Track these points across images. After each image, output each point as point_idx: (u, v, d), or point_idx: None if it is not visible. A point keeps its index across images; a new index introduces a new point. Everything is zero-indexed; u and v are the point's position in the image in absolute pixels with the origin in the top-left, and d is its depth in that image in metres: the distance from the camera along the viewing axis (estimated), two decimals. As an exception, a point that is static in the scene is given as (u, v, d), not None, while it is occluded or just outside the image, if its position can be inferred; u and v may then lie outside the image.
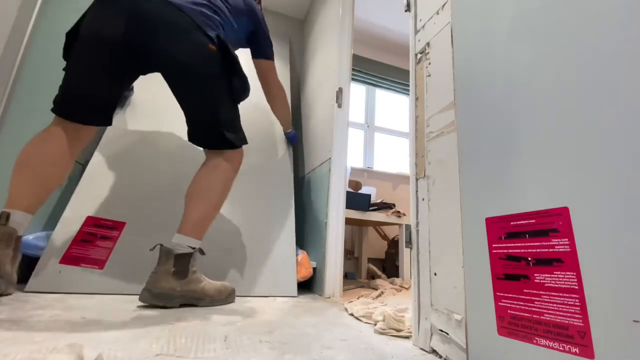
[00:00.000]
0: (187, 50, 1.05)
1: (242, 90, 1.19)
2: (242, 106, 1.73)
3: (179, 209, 1.18)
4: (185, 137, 1.37)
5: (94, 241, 1.16)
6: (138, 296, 0.99)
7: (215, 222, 1.35)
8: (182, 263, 1.01)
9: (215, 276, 1.24)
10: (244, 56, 1.51)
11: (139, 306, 0.94)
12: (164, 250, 1.01)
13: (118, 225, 1.23)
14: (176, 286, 0.98)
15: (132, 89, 1.61)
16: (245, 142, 1.20)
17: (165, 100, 1.62)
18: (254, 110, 1.85)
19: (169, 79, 1.11)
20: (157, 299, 0.95)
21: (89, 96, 1.03)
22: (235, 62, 1.14)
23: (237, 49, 1.44)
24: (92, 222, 1.20)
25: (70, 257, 1.11)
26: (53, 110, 1.02)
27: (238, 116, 1.21)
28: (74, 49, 1.03)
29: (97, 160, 1.37)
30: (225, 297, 1.07)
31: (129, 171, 1.39)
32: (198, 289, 1.02)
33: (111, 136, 1.46)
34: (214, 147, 1.15)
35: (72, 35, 1.07)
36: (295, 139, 1.87)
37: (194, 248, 1.04)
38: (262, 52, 1.48)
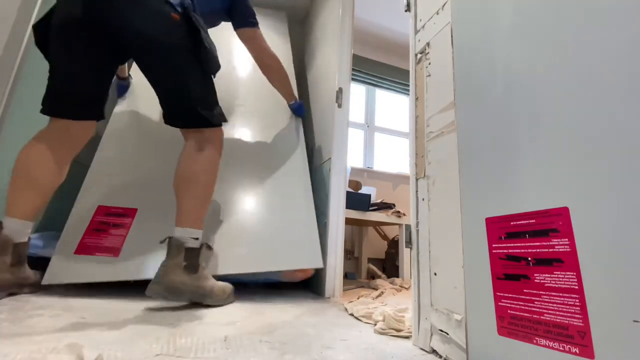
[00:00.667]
0: (147, 19, 0.98)
1: (210, 62, 1.09)
2: (245, 78, 1.64)
3: None
4: None
5: (107, 230, 1.16)
6: (146, 290, 0.95)
7: (231, 200, 1.35)
8: (192, 257, 0.98)
9: (237, 255, 1.22)
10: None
11: (142, 303, 0.94)
12: (174, 242, 0.98)
13: (130, 212, 1.21)
14: (187, 280, 0.95)
15: (130, 76, 1.58)
16: (224, 120, 1.13)
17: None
18: (257, 83, 1.76)
19: (136, 57, 1.06)
20: (167, 293, 0.93)
21: (70, 89, 1.01)
22: (199, 32, 1.04)
23: (217, 22, 1.38)
24: (103, 211, 1.20)
25: (85, 247, 1.11)
26: (41, 110, 1.00)
27: (213, 91, 1.13)
28: (50, 43, 1.01)
29: (103, 150, 1.37)
30: (226, 297, 1.06)
31: (135, 158, 1.38)
32: (207, 286, 0.99)
33: (115, 126, 1.46)
34: (188, 125, 1.08)
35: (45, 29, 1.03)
36: (301, 110, 1.73)
37: (197, 238, 1.02)
38: (243, 21, 1.40)
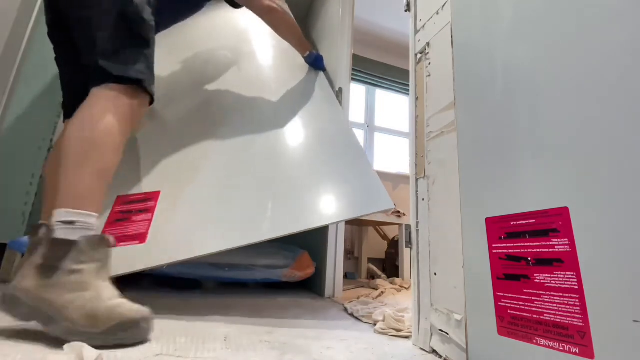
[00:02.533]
0: None
1: (135, 18, 0.90)
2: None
3: (213, 161, 1.13)
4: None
5: (130, 218, 1.05)
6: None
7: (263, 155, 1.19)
8: (55, 253, 0.65)
9: (288, 211, 1.03)
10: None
11: (142, 303, 0.94)
12: (39, 231, 0.70)
13: (152, 196, 1.11)
14: (32, 288, 0.62)
15: None
16: (139, 78, 0.86)
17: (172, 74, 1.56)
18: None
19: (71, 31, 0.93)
20: (1, 302, 0.63)
21: (68, 97, 0.99)
22: None
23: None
24: (122, 200, 1.11)
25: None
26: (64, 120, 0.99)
27: (134, 50, 0.89)
28: None
29: None
30: (106, 331, 0.60)
31: (150, 141, 1.30)
32: (58, 302, 0.61)
33: None
34: (90, 83, 0.84)
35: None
36: (319, 62, 1.51)
37: (71, 222, 0.67)
38: None
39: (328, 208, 1.03)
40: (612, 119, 0.43)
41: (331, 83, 1.59)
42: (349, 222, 2.21)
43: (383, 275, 2.07)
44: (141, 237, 1.00)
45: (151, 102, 0.93)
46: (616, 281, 0.40)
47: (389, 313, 0.88)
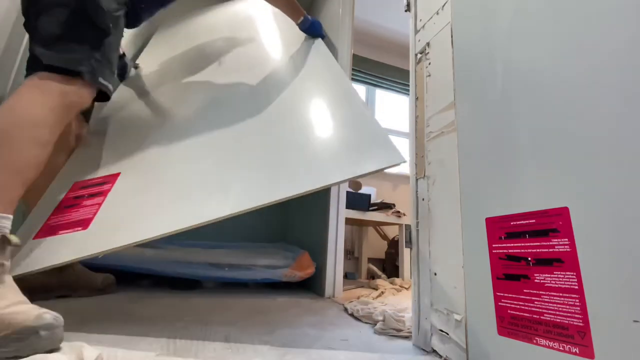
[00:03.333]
0: None
1: (92, 6, 0.84)
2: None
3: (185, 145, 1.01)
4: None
5: (81, 203, 0.91)
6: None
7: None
8: None
9: (290, 172, 0.84)
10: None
11: (142, 303, 0.94)
12: None
13: (110, 179, 0.97)
14: None
15: (137, 66, 1.52)
16: (76, 69, 0.79)
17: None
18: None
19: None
20: None
21: None
22: None
23: None
24: (78, 186, 0.97)
25: (47, 229, 0.86)
26: None
27: (83, 38, 0.82)
28: None
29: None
30: None
31: (114, 124, 1.23)
32: None
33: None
34: (27, 72, 0.81)
35: None
36: (316, 28, 1.36)
37: None
38: None
39: (321, 170, 0.82)
40: (613, 119, 0.43)
41: (333, 49, 1.46)
42: (349, 222, 2.21)
43: (383, 275, 2.07)
44: (84, 224, 0.85)
45: (104, 95, 0.87)
46: (616, 281, 0.40)
47: (388, 313, 0.88)
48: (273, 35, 1.55)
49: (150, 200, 0.88)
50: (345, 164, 0.82)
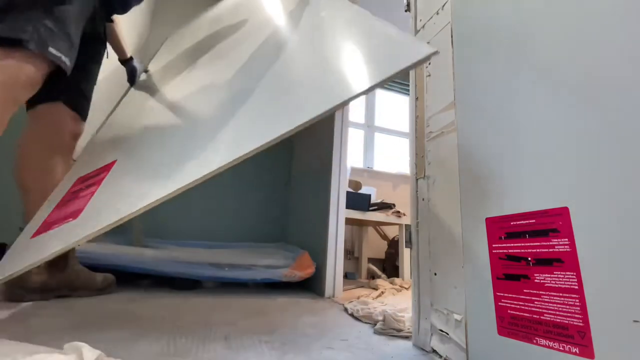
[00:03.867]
0: None
1: None
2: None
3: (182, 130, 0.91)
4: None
5: (78, 195, 0.89)
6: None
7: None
8: None
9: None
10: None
11: (142, 303, 0.94)
12: None
13: (106, 168, 0.95)
14: None
15: (147, 70, 1.51)
16: (14, 33, 0.71)
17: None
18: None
19: None
20: None
21: None
22: None
23: None
24: (80, 180, 0.96)
25: (43, 226, 0.85)
26: None
27: (35, 7, 0.75)
28: None
29: None
30: None
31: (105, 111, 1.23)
32: None
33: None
34: None
35: None
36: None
37: None
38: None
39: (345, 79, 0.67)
40: (613, 119, 0.43)
41: None
42: (349, 222, 2.21)
43: (383, 275, 2.07)
44: (75, 214, 0.81)
45: (58, 68, 0.80)
46: (616, 281, 0.40)
47: (388, 313, 0.88)
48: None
49: (142, 174, 0.82)
50: (375, 66, 0.70)
